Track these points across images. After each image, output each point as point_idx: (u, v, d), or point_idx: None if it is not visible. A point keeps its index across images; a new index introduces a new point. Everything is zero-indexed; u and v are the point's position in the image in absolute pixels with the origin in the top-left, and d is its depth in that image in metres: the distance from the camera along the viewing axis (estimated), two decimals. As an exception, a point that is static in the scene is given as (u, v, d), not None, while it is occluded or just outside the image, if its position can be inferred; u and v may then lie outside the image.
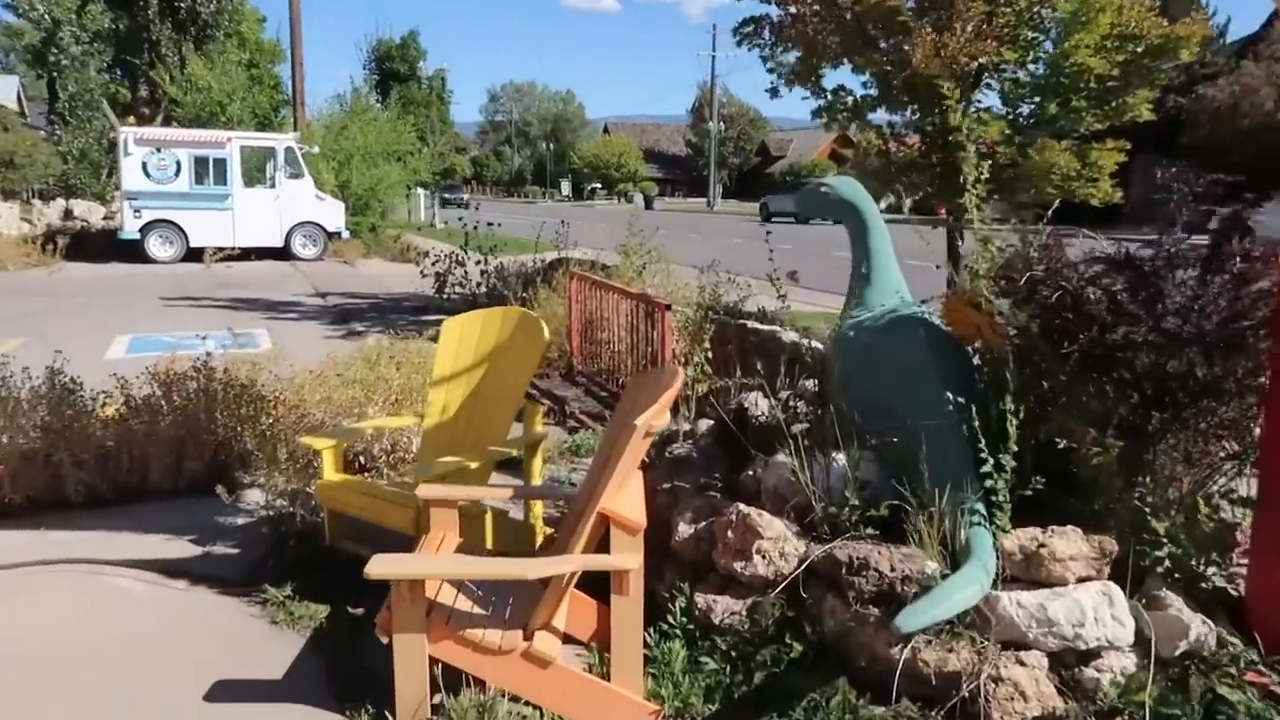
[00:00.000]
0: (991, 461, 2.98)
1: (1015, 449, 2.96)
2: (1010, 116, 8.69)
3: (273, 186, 18.56)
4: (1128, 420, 2.93)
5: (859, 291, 4.04)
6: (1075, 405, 3.04)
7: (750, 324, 6.29)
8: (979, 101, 9.42)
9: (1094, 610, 2.82)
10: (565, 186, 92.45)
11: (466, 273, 11.64)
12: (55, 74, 25.34)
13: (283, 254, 18.68)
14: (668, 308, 5.92)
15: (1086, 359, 2.95)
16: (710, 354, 5.83)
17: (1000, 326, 3.25)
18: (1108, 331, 2.93)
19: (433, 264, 11.78)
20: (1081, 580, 2.90)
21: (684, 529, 3.45)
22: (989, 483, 2.99)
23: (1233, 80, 30.63)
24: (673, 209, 57.10)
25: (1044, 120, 8.38)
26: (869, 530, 3.14)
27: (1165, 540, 2.89)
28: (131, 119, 18.83)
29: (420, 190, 31.23)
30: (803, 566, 3.10)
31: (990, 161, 9.22)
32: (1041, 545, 2.90)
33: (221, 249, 18.02)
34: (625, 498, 2.88)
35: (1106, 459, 2.93)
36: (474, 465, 3.72)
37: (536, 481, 4.17)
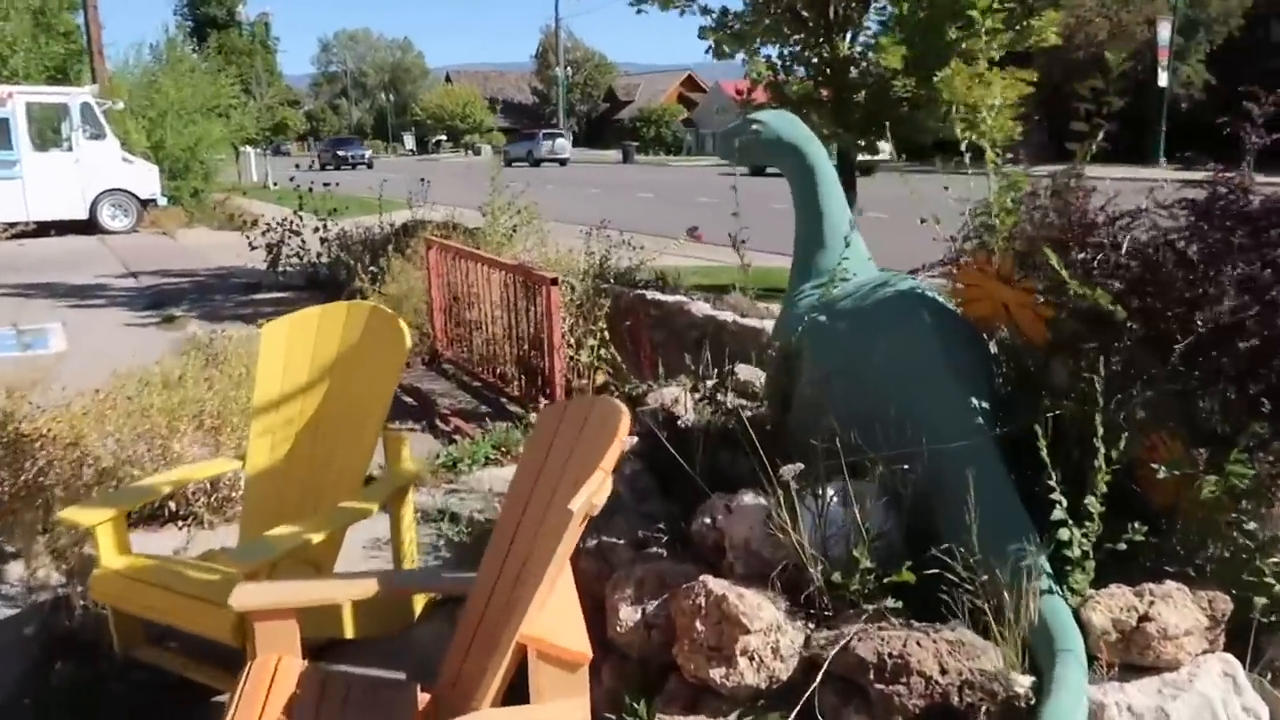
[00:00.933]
0: (1059, 504, 2.12)
1: (1104, 488, 2.10)
2: (904, 41, 7.92)
3: (70, 149, 16.17)
4: (1255, 435, 2.10)
5: (812, 259, 3.12)
6: (1171, 416, 2.20)
7: (650, 294, 5.31)
8: (868, 29, 8.65)
9: (1222, 703, 2.02)
10: (409, 140, 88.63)
11: (304, 242, 10.18)
12: None
13: (89, 227, 16.39)
14: (553, 282, 4.86)
15: (1193, 352, 2.10)
16: (607, 335, 4.83)
17: (1041, 307, 2.38)
18: (1211, 312, 2.09)
19: (263, 233, 10.25)
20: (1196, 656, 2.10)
21: (627, 613, 2.45)
22: (1062, 534, 2.13)
23: (1067, 12, 31.35)
24: (524, 160, 55.20)
25: (943, 46, 7.65)
26: (889, 601, 2.24)
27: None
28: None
29: (250, 149, 28.60)
30: (812, 674, 2.17)
31: (885, 93, 8.58)
32: (1145, 618, 2.06)
33: (12, 224, 15.61)
34: (557, 613, 1.87)
35: (1221, 487, 2.11)
36: (317, 538, 2.61)
37: (409, 548, 3.09)
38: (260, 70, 29.08)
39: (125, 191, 16.55)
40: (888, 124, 6.21)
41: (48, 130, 16.47)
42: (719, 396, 3.90)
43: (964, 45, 7.31)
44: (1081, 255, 2.28)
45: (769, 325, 4.56)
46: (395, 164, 50.88)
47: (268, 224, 10.49)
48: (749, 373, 4.07)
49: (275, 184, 30.19)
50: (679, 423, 3.62)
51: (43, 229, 16.04)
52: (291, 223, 10.14)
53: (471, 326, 6.02)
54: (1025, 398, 2.53)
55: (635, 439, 3.58)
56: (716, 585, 2.28)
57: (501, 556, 2.14)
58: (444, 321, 6.40)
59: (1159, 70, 31.11)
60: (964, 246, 2.94)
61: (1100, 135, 2.57)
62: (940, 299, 2.71)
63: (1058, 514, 2.11)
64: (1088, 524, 2.10)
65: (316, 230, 9.98)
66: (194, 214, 18.17)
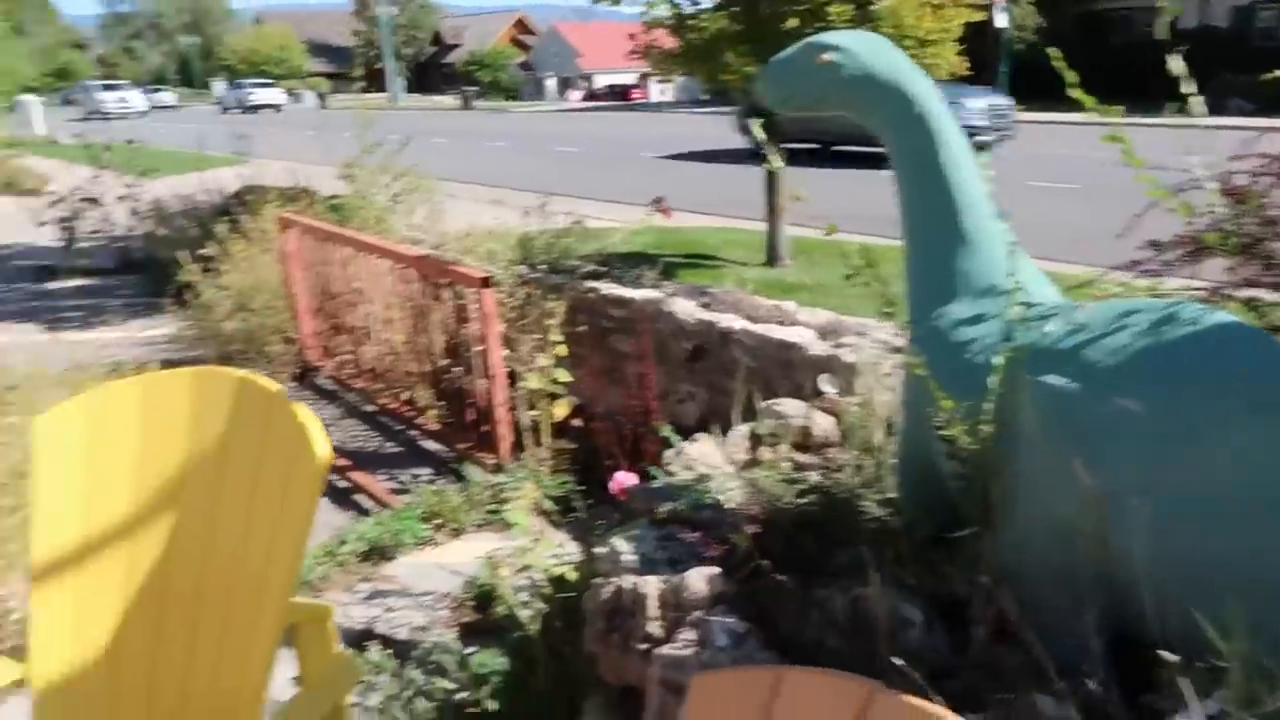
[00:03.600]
0: None
1: None
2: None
3: None
4: None
5: (945, 263, 1.89)
6: None
7: (605, 287, 4.02)
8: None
9: None
10: (219, 86, 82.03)
11: (108, 214, 8.19)
12: None
13: None
14: (485, 283, 3.46)
15: None
16: (562, 350, 3.53)
17: None
18: None
19: (53, 203, 8.17)
20: None
21: None
22: None
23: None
24: (350, 106, 51.43)
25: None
26: None
27: None
28: None
29: (31, 97, 24.76)
30: None
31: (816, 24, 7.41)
32: None
33: None
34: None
35: None
36: None
37: None
38: (29, 7, 25.10)
39: None
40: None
41: None
42: (771, 450, 2.80)
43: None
44: None
45: (796, 335, 3.35)
46: (206, 114, 46.34)
47: (56, 192, 8.38)
48: (794, 409, 2.88)
49: (69, 140, 26.48)
50: (721, 498, 2.44)
51: None
52: (87, 190, 8.10)
53: (357, 333, 4.53)
54: None
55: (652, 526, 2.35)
56: None
57: None
58: (316, 325, 4.85)
59: (994, 11, 31.56)
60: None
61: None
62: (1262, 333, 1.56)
63: None
64: None
65: (123, 198, 8.01)
66: (-37, 177, 15.20)
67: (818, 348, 3.21)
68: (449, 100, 51.52)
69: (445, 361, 4.05)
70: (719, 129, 16.94)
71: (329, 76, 69.42)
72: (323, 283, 4.73)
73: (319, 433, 1.66)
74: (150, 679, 1.75)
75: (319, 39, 78.82)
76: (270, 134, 21.33)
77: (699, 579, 1.96)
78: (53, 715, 1.72)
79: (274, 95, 49.62)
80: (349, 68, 74.43)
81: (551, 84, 57.85)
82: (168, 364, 4.33)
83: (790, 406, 2.82)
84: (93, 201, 8.00)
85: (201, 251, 5.57)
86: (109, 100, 42.30)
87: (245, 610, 1.69)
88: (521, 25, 73.18)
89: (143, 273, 8.03)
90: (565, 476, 3.42)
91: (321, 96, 57.86)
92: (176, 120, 37.48)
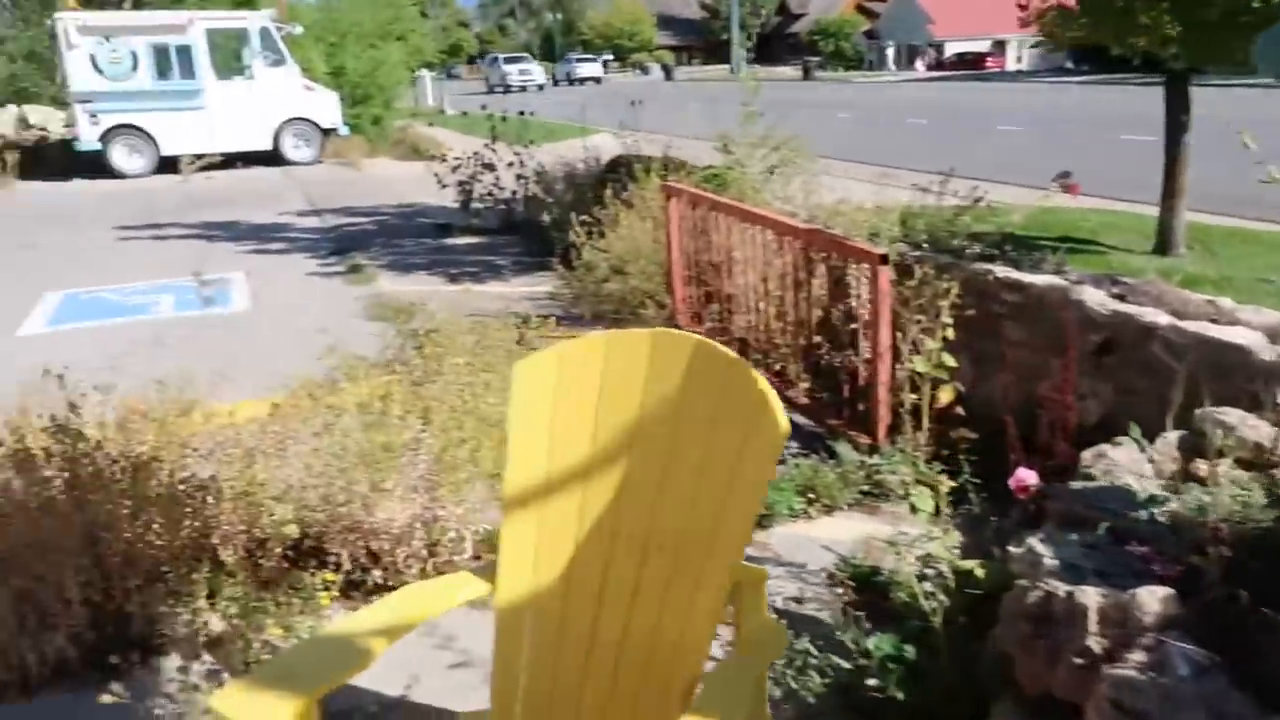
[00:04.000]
0: None
1: None
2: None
3: (251, 77, 15.68)
4: None
5: None
6: None
7: (1001, 270, 3.80)
8: None
9: None
10: (483, 62, 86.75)
11: (498, 178, 9.05)
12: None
13: (273, 158, 15.98)
14: (883, 260, 3.40)
15: None
16: (948, 336, 3.38)
17: None
18: None
19: (453, 169, 9.17)
20: None
21: None
22: None
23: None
24: (695, 78, 52.95)
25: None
26: None
27: None
28: (71, 1, 15.80)
29: (426, 73, 27.99)
30: None
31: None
32: None
33: (200, 156, 15.33)
34: None
35: None
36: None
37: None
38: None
39: (307, 120, 16.00)
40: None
41: (229, 58, 16.04)
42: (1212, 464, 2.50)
43: None
44: None
45: (1239, 336, 2.96)
46: (561, 88, 49.69)
47: (455, 158, 9.38)
48: (1243, 420, 2.55)
49: (452, 110, 29.68)
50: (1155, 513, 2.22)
51: (229, 161, 15.71)
52: (483, 156, 9.00)
53: (729, 302, 4.65)
54: None
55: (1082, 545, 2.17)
56: None
57: None
58: (688, 292, 5.05)
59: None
60: None
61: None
62: None
63: None
64: None
65: (510, 164, 8.82)
66: (375, 143, 17.53)
67: (1268, 353, 2.81)
68: (789, 71, 51.43)
69: (818, 337, 4.04)
70: (1083, 98, 15.30)
71: (673, 49, 71.90)
72: (699, 250, 4.90)
73: (777, 403, 1.70)
74: (596, 613, 1.90)
75: (668, 12, 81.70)
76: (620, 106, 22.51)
77: (1151, 598, 1.80)
78: (512, 629, 1.93)
79: (594, 69, 54.65)
80: (697, 40, 76.55)
81: (892, 53, 55.87)
82: (556, 319, 4.69)
83: (1238, 417, 2.50)
84: (489, 168, 8.88)
85: (584, 217, 5.99)
86: (513, 73, 46.80)
87: (691, 566, 1.78)
88: (871, -9, 71.19)
89: (522, 233, 8.83)
90: (947, 464, 3.30)
91: (666, 70, 60.02)
92: (549, 93, 40.45)
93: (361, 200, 11.98)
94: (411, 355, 4.79)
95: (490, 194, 9.13)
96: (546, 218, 7.52)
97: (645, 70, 62.53)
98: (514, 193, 8.98)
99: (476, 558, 2.89)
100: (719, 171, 5.69)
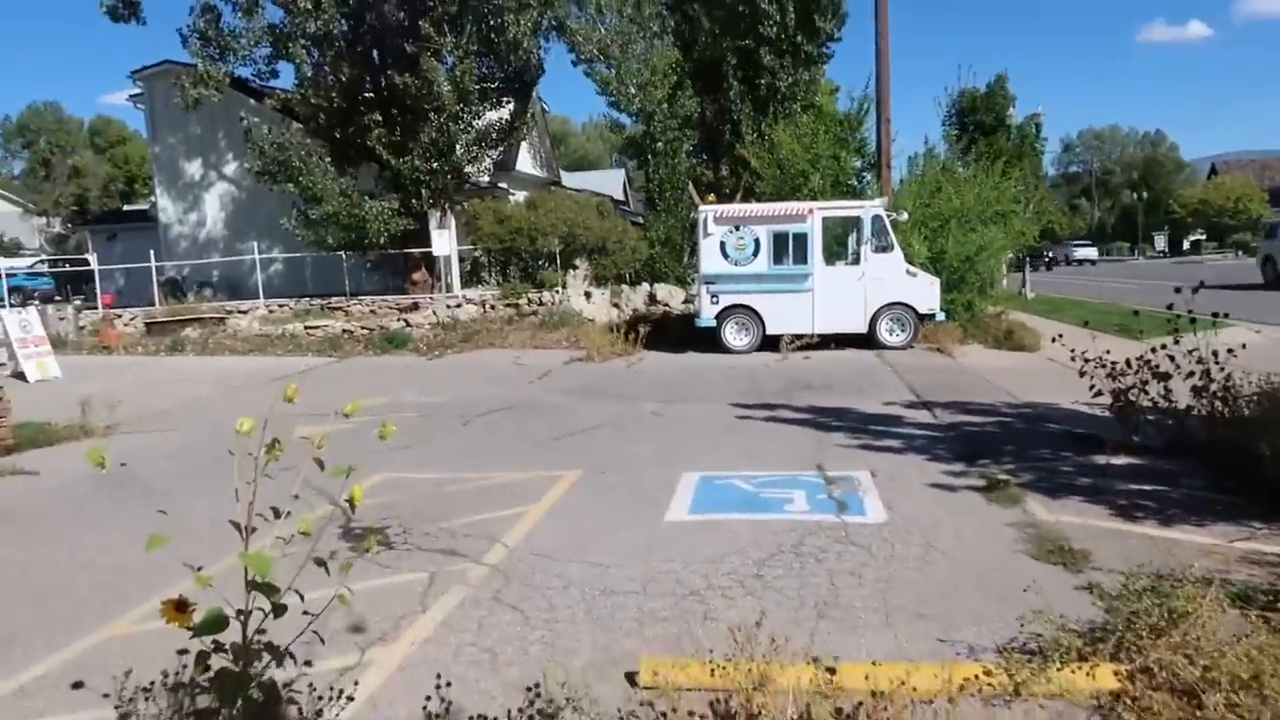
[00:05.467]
0: None
1: None
2: None
3: (856, 262, 15.96)
4: None
5: None
6: None
7: None
8: None
9: None
10: (1160, 240, 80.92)
11: (1167, 390, 7.51)
12: (649, 161, 26.25)
13: (866, 341, 15.99)
14: None
15: None
16: None
17: None
18: None
19: (1107, 374, 7.83)
20: None
21: None
22: None
23: None
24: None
25: None
26: None
27: None
28: (712, 197, 17.66)
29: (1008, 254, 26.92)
30: None
31: None
32: None
33: (799, 336, 15.87)
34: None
35: None
36: None
37: None
38: (1029, 173, 27.33)
39: (905, 305, 15.80)
40: None
41: (836, 244, 16.61)
42: None
43: None
44: None
45: None
46: (1138, 266, 45.02)
47: (1103, 361, 8.00)
48: None
49: (1032, 293, 28.07)
50: None
51: (824, 341, 16.06)
52: (1151, 360, 7.55)
53: None
54: None
55: None
56: None
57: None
58: None
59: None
60: None
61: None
62: None
63: None
64: None
65: (1190, 375, 7.24)
66: (966, 329, 16.76)
67: None
68: None
69: None
70: None
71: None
72: None
73: None
74: None
75: (1282, 186, 71.43)
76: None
77: None
78: None
79: (1089, 252, 65.78)
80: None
81: None
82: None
83: None
84: (1160, 376, 7.40)
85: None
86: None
87: None
88: None
89: (1199, 459, 7.13)
90: None
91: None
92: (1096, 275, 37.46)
93: (972, 395, 11.07)
94: (1143, 636, 3.58)
95: (1154, 404, 7.59)
96: (1264, 446, 5.81)
97: (1250, 251, 54.27)
98: (1189, 407, 7.34)
99: None
100: None
